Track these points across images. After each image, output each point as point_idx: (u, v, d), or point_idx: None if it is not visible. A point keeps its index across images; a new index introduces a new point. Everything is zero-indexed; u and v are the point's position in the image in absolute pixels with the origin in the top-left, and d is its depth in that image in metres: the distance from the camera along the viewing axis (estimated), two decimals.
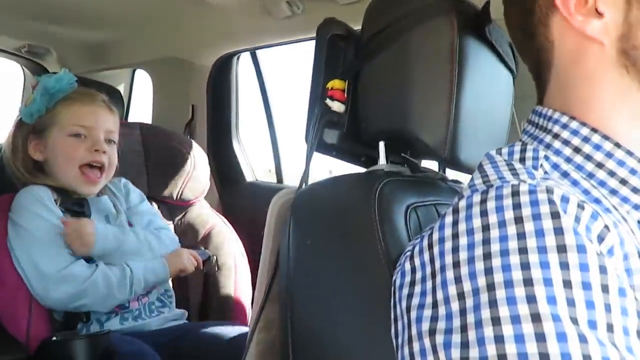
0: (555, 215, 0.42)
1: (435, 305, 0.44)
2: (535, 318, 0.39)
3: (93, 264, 1.14)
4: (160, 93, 1.85)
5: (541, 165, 0.52)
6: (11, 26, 1.77)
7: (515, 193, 0.44)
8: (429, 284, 0.46)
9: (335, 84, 0.79)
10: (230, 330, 1.23)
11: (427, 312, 0.45)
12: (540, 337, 0.38)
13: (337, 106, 0.79)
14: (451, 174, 0.90)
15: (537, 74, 0.58)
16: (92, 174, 1.20)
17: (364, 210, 0.60)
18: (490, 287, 0.41)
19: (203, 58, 1.74)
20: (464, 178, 0.91)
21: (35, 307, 1.12)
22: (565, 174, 0.51)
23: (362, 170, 0.81)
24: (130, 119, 2.08)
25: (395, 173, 0.74)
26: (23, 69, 2.11)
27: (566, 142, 0.52)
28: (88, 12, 1.62)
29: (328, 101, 0.79)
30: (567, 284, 0.39)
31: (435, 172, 0.83)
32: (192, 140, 1.72)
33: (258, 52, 1.70)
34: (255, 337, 0.76)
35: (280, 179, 1.73)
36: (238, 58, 1.78)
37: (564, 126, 0.52)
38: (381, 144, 0.77)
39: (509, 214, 0.43)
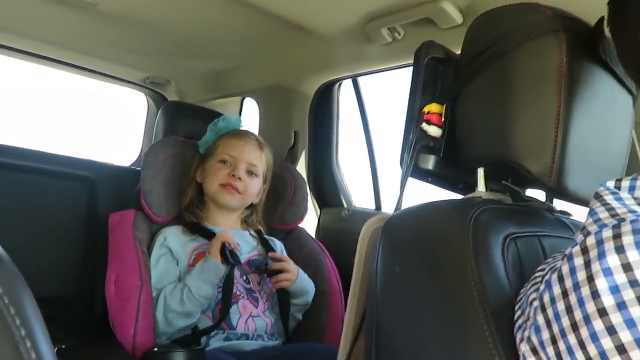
0: None
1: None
2: None
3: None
4: (265, 120, 1.93)
5: None
6: (137, 60, 1.96)
7: None
8: (572, 338, 0.43)
9: (432, 107, 0.77)
10: (325, 352, 1.23)
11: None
12: None
13: (433, 130, 0.77)
14: (560, 206, 0.83)
15: None
16: (229, 188, 1.40)
17: (457, 238, 0.57)
18: None
19: (306, 85, 1.78)
20: (573, 210, 0.84)
21: (141, 319, 1.19)
22: None
23: (459, 197, 0.77)
24: None
25: (494, 201, 0.69)
26: (147, 99, 2.30)
27: None
28: (203, 45, 1.75)
29: (424, 125, 0.77)
30: None
31: (541, 202, 0.77)
32: (293, 165, 1.76)
33: (359, 79, 1.71)
34: None
35: (378, 206, 1.71)
36: (339, 85, 1.80)
37: None
38: (480, 171, 0.73)
39: None
